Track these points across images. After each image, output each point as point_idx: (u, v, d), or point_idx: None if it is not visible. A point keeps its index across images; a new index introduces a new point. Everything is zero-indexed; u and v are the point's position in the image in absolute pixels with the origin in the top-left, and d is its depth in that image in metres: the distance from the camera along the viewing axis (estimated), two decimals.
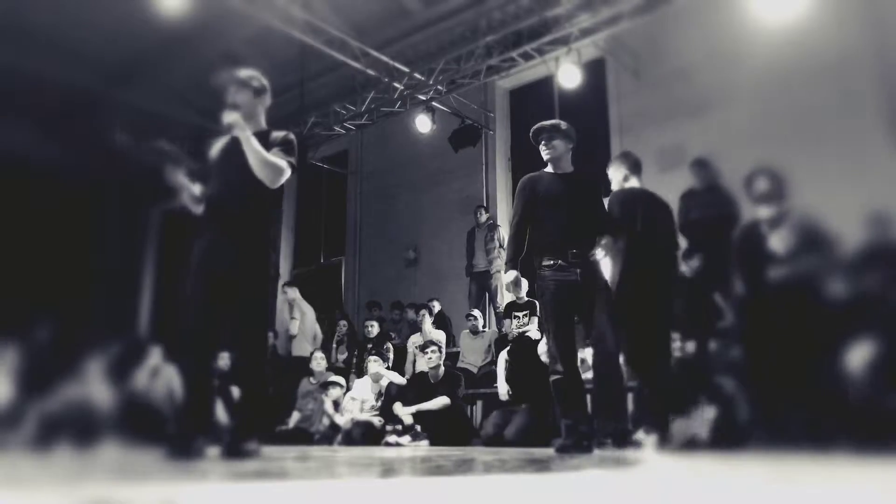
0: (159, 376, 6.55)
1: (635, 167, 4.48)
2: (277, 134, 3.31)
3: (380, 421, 6.39)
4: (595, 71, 8.35)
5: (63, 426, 4.47)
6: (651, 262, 4.15)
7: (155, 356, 6.62)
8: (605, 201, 4.29)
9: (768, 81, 6.38)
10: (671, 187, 6.55)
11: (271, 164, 3.17)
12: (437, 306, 8.35)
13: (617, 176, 4.52)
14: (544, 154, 4.03)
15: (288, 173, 3.22)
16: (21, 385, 4.00)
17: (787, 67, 6.18)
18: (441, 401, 6.05)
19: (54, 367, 4.78)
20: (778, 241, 3.70)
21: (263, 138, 3.27)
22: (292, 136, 3.34)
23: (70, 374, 4.97)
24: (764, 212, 3.74)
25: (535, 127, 4.15)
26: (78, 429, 4.59)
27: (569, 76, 7.64)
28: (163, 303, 13.65)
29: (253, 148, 3.17)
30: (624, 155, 4.66)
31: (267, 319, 3.41)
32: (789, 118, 6.20)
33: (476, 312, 7.60)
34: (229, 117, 3.20)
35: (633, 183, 4.45)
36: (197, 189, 3.38)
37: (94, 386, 5.16)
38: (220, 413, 6.79)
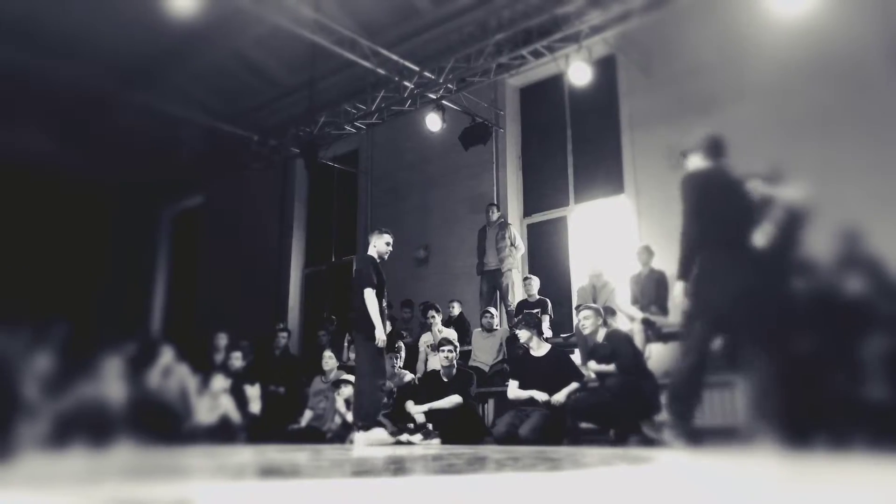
0: (172, 375, 6.60)
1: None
2: None
3: (391, 420, 6.40)
4: (605, 68, 8.31)
5: (78, 425, 4.51)
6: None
7: (167, 355, 6.67)
8: None
9: (780, 77, 6.34)
10: None
11: None
12: (457, 308, 8.32)
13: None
14: None
15: None
16: (37, 384, 4.04)
17: (800, 62, 6.13)
18: (453, 399, 6.04)
19: (69, 367, 4.81)
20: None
21: None
22: None
23: (85, 374, 5.01)
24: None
25: None
26: (92, 428, 4.62)
27: (579, 74, 7.61)
28: (174, 303, 13.78)
29: None
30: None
31: None
32: (802, 114, 6.15)
33: (491, 310, 7.58)
34: None
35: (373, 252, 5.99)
36: None
37: (108, 385, 5.20)
38: (233, 411, 6.85)
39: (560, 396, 5.50)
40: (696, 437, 3.71)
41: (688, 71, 7.22)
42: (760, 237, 3.80)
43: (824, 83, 6.02)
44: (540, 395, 5.56)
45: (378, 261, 5.96)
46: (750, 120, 6.34)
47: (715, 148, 4.03)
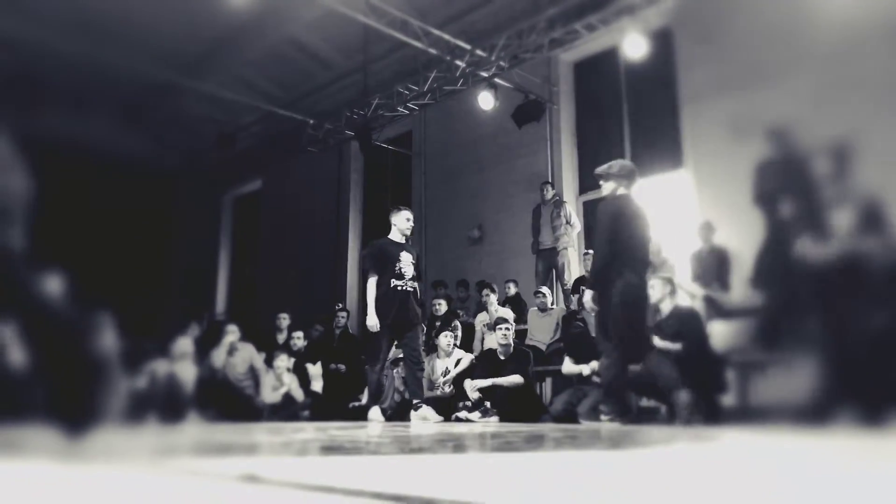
0: (238, 354, 6.84)
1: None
2: None
3: (450, 396, 6.47)
4: (662, 40, 8.07)
5: (151, 402, 4.72)
6: None
7: (232, 334, 6.90)
8: None
9: (846, 43, 6.04)
10: (745, 158, 6.34)
11: None
12: (512, 288, 8.32)
13: None
14: None
15: None
16: (112, 363, 4.24)
17: (866, 27, 5.83)
18: (514, 379, 6.06)
19: (142, 347, 5.03)
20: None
21: None
22: None
23: (157, 353, 5.23)
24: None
25: None
26: (165, 404, 4.83)
27: (635, 46, 7.43)
28: (237, 285, 14.19)
29: None
30: None
31: None
32: (870, 81, 5.87)
33: (544, 289, 7.54)
34: None
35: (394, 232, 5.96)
36: None
37: (180, 364, 5.41)
38: (296, 389, 7.04)
39: (587, 368, 5.59)
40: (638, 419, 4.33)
41: (748, 39, 6.96)
42: (842, 220, 3.81)
43: (891, 51, 5.72)
44: (586, 368, 5.63)
45: (401, 240, 5.95)
46: (815, 89, 6.09)
47: (629, 177, 4.82)
